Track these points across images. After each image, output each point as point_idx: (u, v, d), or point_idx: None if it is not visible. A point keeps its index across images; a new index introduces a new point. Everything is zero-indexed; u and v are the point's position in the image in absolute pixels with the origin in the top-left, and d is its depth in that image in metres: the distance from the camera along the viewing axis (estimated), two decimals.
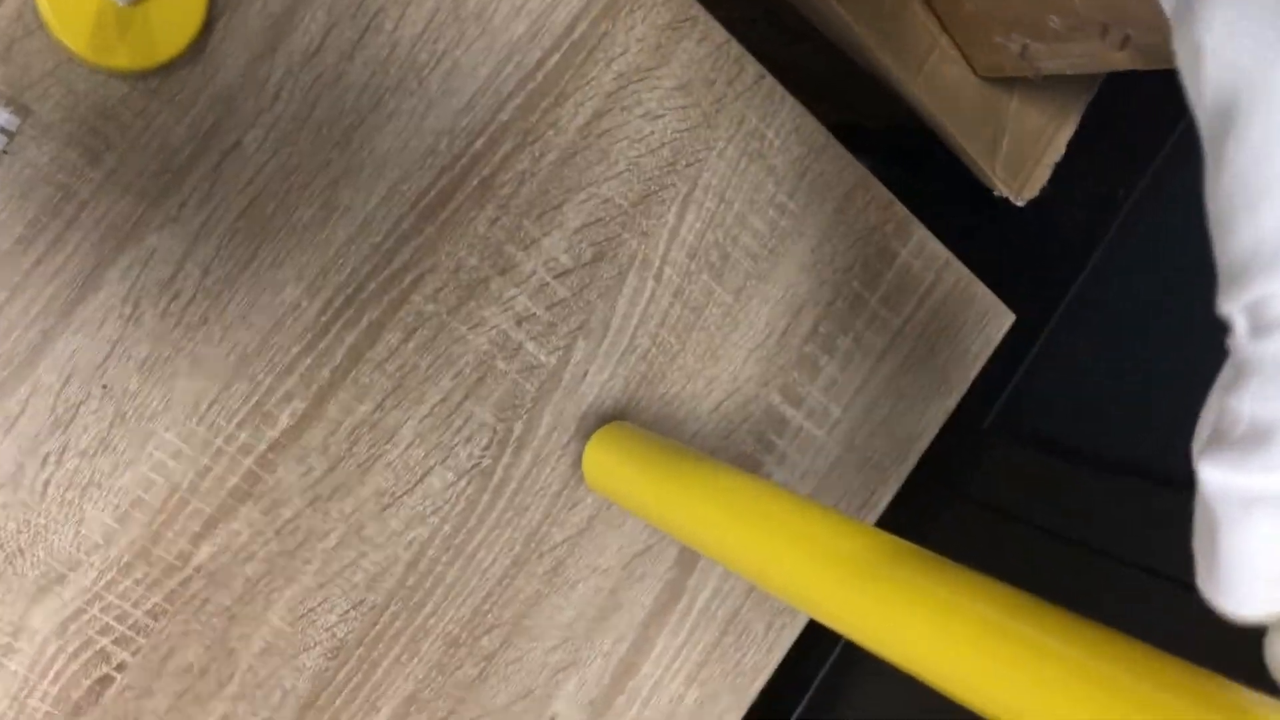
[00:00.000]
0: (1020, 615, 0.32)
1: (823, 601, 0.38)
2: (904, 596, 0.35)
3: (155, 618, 0.50)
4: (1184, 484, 0.58)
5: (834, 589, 0.38)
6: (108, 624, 0.49)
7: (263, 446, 0.51)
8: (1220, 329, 0.26)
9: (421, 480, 0.54)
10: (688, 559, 0.61)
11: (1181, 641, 0.51)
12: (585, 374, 0.56)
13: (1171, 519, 0.54)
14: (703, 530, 0.45)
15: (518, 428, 0.55)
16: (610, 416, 0.57)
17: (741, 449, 0.60)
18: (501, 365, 0.54)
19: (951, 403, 0.65)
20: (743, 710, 0.63)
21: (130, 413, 0.48)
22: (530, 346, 0.55)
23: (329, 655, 0.53)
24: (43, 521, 0.48)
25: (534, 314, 0.55)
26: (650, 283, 0.57)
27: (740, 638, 0.62)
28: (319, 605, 0.53)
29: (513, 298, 0.54)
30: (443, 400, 0.53)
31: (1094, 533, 0.58)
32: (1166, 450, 0.58)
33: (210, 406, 0.50)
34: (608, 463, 0.54)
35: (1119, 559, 0.56)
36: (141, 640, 0.50)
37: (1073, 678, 0.29)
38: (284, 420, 0.51)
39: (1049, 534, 0.60)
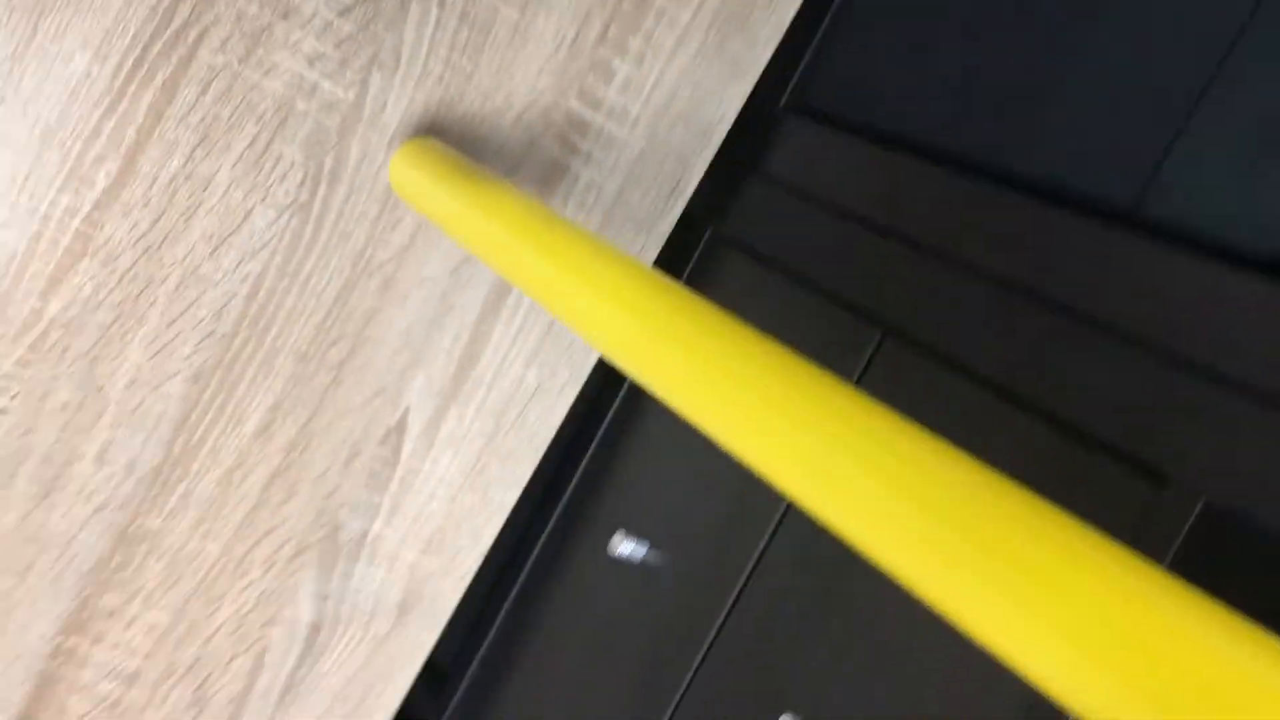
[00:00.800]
0: (758, 361, 0.35)
1: (587, 327, 0.43)
2: (658, 334, 0.39)
3: (24, 367, 0.57)
4: (973, 161, 0.63)
5: (601, 323, 0.42)
6: None
7: (86, 207, 0.55)
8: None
9: (245, 220, 0.59)
10: None
11: (940, 311, 0.58)
12: (385, 104, 0.60)
13: (949, 195, 0.60)
14: (492, 257, 0.50)
15: (328, 162, 0.60)
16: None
17: (548, 155, 0.65)
18: (301, 106, 0.58)
19: (746, 88, 0.69)
20: (580, 383, 0.71)
21: None
22: (326, 85, 0.58)
23: (191, 381, 0.61)
24: None
25: (324, 53, 0.58)
26: (434, 9, 0.59)
27: None
28: (173, 340, 0.59)
29: (299, 40, 0.57)
30: (250, 145, 0.58)
31: (882, 210, 0.64)
32: (955, 125, 0.62)
33: (27, 179, 0.54)
34: (412, 178, 0.58)
35: (908, 240, 0.62)
36: (16, 387, 0.57)
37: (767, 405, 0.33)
38: (101, 181, 0.55)
39: (844, 212, 0.66)
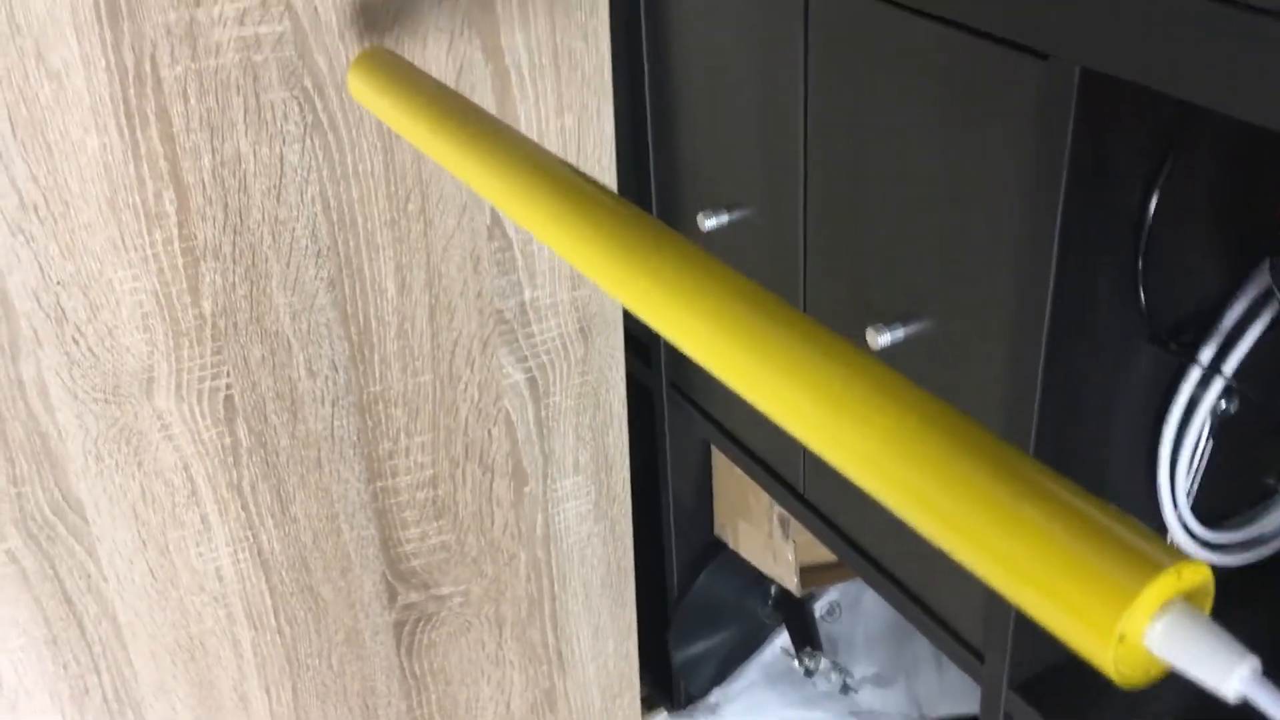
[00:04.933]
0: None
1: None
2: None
3: (218, 353, 0.72)
4: None
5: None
6: (198, 373, 0.72)
7: (175, 231, 0.68)
8: None
9: (282, 162, 0.69)
10: None
11: None
12: (315, 10, 0.67)
13: None
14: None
15: (307, 82, 0.68)
16: None
17: None
18: (257, 57, 0.66)
19: None
20: (611, 106, 0.79)
21: (91, 286, 0.67)
22: (263, 29, 0.65)
23: (329, 287, 0.74)
24: (109, 366, 0.69)
25: (247, 7, 0.65)
26: None
27: None
28: (296, 272, 0.73)
29: (221, 12, 0.64)
30: (245, 112, 0.67)
31: None
32: None
33: (123, 240, 0.67)
34: (368, 92, 0.65)
35: None
36: (225, 366, 0.73)
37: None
38: (169, 207, 0.67)
39: None
